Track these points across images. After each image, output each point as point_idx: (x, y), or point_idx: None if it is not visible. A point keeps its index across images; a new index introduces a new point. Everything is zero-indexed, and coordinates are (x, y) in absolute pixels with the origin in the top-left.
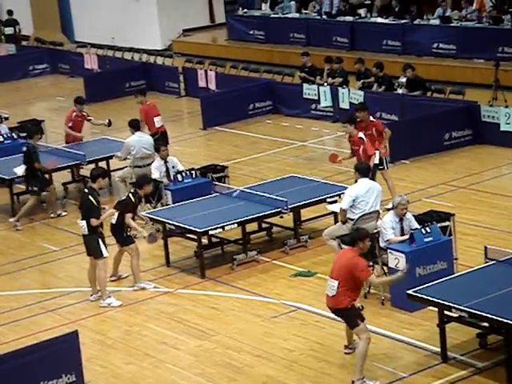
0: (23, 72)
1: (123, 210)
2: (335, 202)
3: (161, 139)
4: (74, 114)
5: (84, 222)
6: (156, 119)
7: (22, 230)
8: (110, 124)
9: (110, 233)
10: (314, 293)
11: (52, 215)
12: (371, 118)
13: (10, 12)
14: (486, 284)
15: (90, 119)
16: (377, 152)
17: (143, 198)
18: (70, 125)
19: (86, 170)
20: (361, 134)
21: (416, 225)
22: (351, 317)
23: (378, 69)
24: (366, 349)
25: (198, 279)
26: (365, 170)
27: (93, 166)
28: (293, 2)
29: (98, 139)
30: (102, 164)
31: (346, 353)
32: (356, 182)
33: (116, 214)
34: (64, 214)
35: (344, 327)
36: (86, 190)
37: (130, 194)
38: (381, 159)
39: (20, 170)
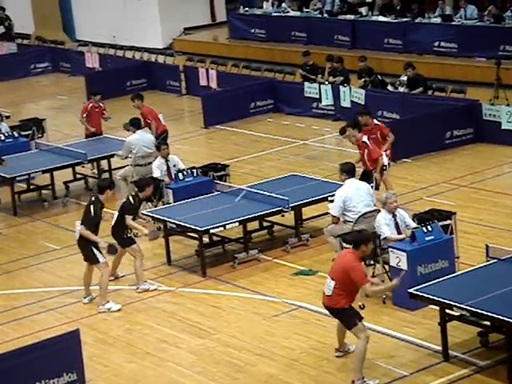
0: (24, 71)
1: (123, 211)
2: None
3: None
4: (91, 105)
5: (81, 227)
6: (160, 116)
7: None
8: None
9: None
10: (315, 291)
11: None
12: (375, 121)
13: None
14: (487, 282)
15: (105, 117)
16: (383, 153)
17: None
18: (84, 115)
19: (87, 169)
20: (364, 138)
21: (409, 220)
22: (348, 317)
23: (366, 74)
24: (365, 348)
25: (199, 278)
26: (350, 171)
27: (94, 164)
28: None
29: (99, 138)
30: (104, 162)
31: (337, 356)
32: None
33: (115, 215)
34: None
35: (335, 331)
36: (93, 199)
37: (130, 197)
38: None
39: None
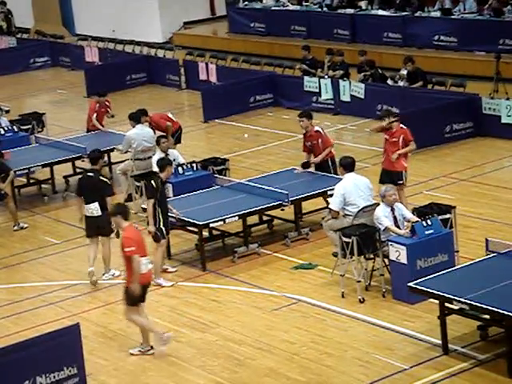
0: (24, 65)
1: (150, 196)
2: None
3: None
4: (98, 105)
5: (96, 204)
6: (169, 115)
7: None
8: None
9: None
10: (314, 285)
11: (15, 227)
12: (401, 126)
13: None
14: (487, 276)
15: (110, 114)
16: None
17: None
18: (95, 116)
19: (87, 163)
20: (317, 128)
21: (407, 213)
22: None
23: (368, 66)
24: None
25: (199, 272)
26: (350, 165)
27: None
28: None
29: (99, 132)
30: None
31: (131, 353)
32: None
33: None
34: (26, 225)
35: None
36: (92, 174)
37: (153, 180)
38: (401, 173)
39: None
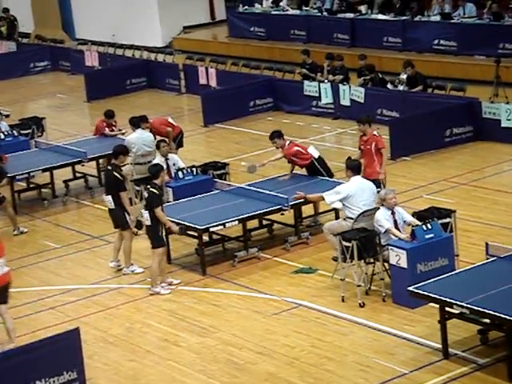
0: (24, 69)
1: (152, 205)
2: None
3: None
4: (105, 124)
5: (110, 197)
6: (170, 120)
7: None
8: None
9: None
10: (315, 289)
11: (15, 232)
12: (374, 132)
13: None
14: (487, 280)
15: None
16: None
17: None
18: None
19: (87, 168)
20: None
21: (408, 216)
22: None
23: (368, 70)
24: None
25: (199, 276)
26: (356, 168)
27: (93, 163)
28: None
29: (99, 137)
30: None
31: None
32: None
33: (147, 214)
34: (26, 230)
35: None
36: (110, 168)
37: (151, 188)
38: (380, 182)
39: None
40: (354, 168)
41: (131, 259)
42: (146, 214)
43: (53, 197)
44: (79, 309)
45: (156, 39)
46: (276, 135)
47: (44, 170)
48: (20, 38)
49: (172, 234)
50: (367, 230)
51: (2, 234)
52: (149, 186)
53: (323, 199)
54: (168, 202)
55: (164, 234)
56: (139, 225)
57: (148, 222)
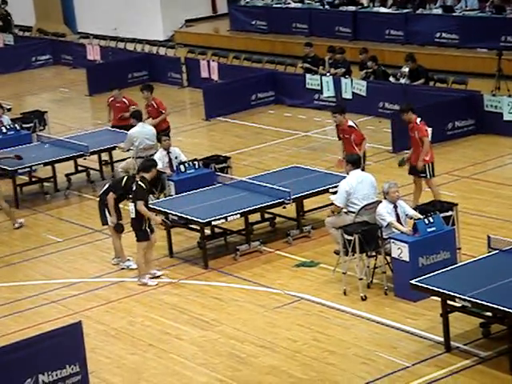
0: (26, 63)
1: (136, 198)
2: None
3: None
4: (111, 99)
5: (132, 206)
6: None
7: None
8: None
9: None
10: (317, 283)
11: (16, 225)
12: (350, 123)
13: None
14: (489, 274)
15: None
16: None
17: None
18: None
19: (89, 161)
20: (350, 122)
21: (410, 210)
22: None
23: (374, 62)
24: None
25: (201, 270)
26: (356, 162)
27: (95, 156)
28: None
29: (101, 130)
30: (105, 155)
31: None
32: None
33: (132, 207)
34: (22, 220)
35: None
36: (139, 179)
37: (141, 182)
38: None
39: None
40: (354, 162)
41: (125, 255)
42: (131, 207)
43: (55, 190)
44: (81, 302)
45: (158, 33)
46: (339, 110)
47: (46, 164)
48: (17, 31)
49: (173, 228)
50: (369, 224)
51: (4, 228)
52: (137, 179)
53: (336, 205)
54: (170, 195)
55: (148, 227)
56: (120, 228)
57: (133, 215)
